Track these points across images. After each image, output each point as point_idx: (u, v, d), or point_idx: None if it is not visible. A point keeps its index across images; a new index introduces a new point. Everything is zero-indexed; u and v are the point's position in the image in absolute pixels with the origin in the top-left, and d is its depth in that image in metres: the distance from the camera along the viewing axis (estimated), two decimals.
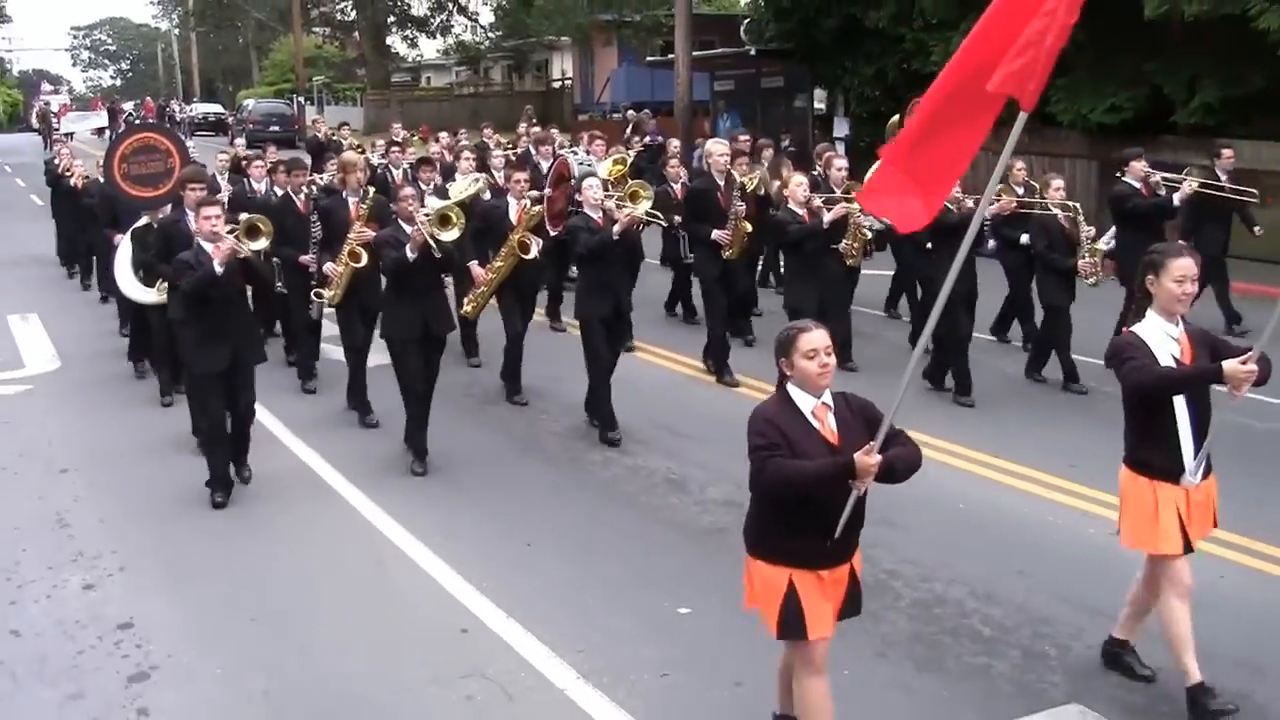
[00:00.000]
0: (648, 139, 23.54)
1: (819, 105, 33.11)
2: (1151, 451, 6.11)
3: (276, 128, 51.45)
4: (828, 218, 11.91)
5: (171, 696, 6.54)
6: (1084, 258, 12.17)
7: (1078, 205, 12.50)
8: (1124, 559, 7.91)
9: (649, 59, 40.90)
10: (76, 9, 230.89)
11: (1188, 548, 6.13)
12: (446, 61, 73.36)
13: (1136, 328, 6.13)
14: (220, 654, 7.02)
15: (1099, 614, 7.17)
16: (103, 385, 13.38)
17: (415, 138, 22.03)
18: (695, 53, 32.18)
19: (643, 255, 11.67)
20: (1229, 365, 5.78)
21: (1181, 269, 6.01)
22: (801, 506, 5.12)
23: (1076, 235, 12.28)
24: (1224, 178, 14.75)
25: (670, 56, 33.39)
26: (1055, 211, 12.31)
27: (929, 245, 11.85)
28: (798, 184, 12.04)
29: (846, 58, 28.91)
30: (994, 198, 10.88)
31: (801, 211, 11.90)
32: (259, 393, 9.97)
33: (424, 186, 13.84)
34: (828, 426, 5.19)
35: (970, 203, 11.75)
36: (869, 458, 4.93)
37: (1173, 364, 5.99)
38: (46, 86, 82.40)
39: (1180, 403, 6.03)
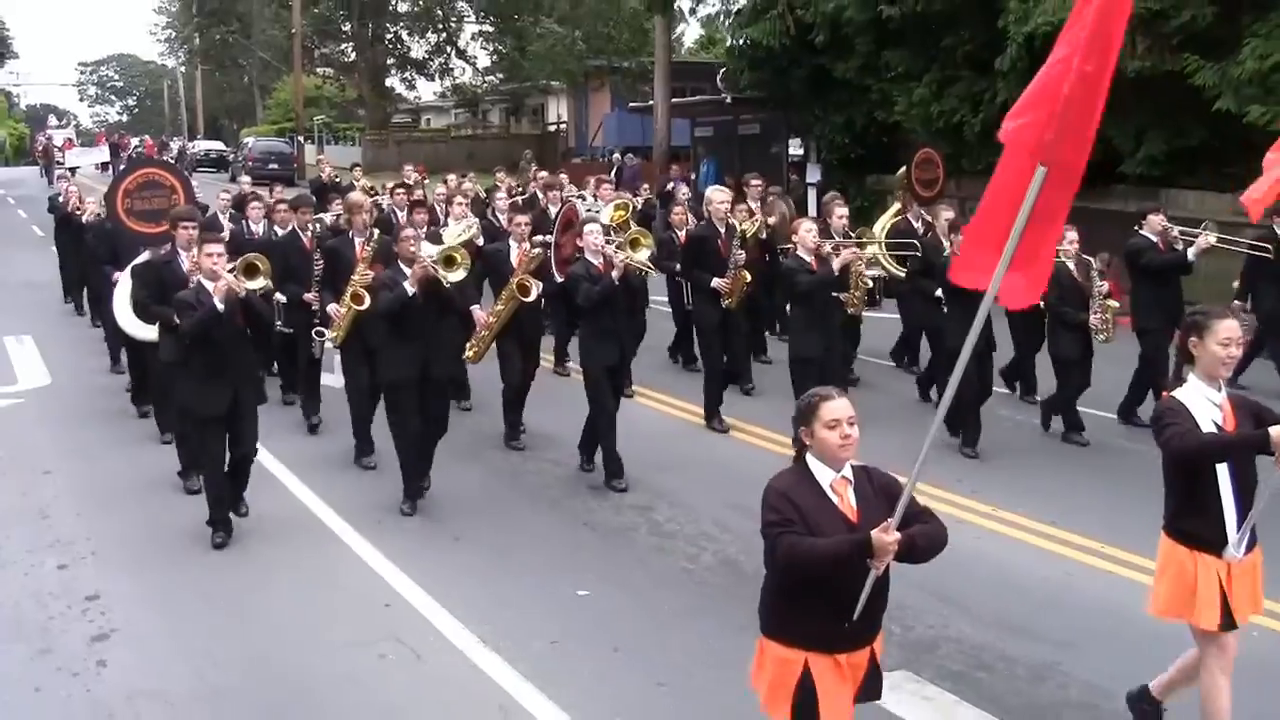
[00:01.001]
0: (670, 185, 24.19)
1: (798, 151, 34.24)
2: (1192, 521, 5.94)
3: (275, 165, 52.21)
4: (837, 263, 11.72)
5: (127, 653, 7.56)
6: (1096, 312, 12.09)
7: (1090, 259, 12.32)
8: (988, 560, 9.02)
9: (632, 105, 42.16)
10: (85, 45, 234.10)
11: (1230, 623, 5.93)
12: (445, 104, 74.78)
13: (1177, 392, 5.96)
14: (173, 621, 8.08)
15: (947, 601, 8.21)
16: (88, 399, 14.47)
17: (425, 180, 22.55)
18: (674, 100, 33.37)
19: (647, 299, 11.83)
20: (1276, 431, 5.54)
21: (1227, 331, 5.84)
22: (817, 586, 4.89)
23: (1089, 288, 12.16)
24: None
25: (651, 103, 34.60)
26: (1068, 263, 12.11)
27: (938, 295, 12.13)
28: (807, 230, 11.78)
29: (817, 106, 30.13)
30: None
31: (810, 259, 11.62)
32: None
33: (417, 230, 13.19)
34: (847, 502, 4.98)
35: None
36: (886, 535, 4.70)
37: (1215, 430, 5.81)
38: (52, 121, 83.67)
39: (1223, 471, 5.85)
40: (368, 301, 10.96)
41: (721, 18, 32.30)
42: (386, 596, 8.40)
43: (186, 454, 10.83)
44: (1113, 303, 12.23)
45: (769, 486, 4.98)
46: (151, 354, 11.88)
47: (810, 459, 5.02)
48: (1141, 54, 20.43)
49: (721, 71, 33.23)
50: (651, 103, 34.86)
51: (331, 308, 11.74)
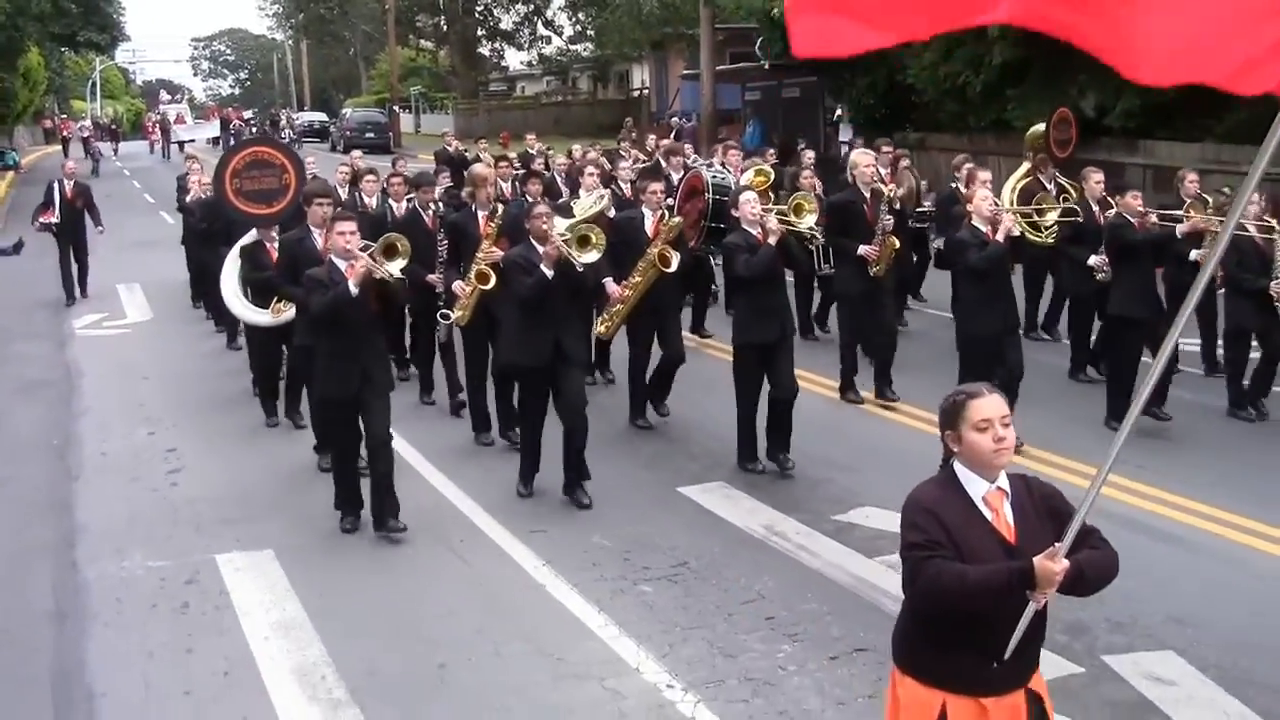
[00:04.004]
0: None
1: (840, 112, 36.75)
2: None
3: (371, 135, 55.62)
4: (1002, 232, 10.42)
5: (191, 479, 10.90)
6: (1278, 278, 11.40)
7: (1274, 222, 11.57)
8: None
9: (684, 71, 44.89)
10: (197, 21, 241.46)
11: None
12: (535, 71, 77.91)
13: None
14: (229, 463, 11.40)
15: (824, 462, 10.71)
16: (179, 328, 18.19)
17: (549, 150, 23.09)
18: (720, 66, 36.06)
19: (800, 262, 10.89)
20: None
21: None
22: (962, 619, 4.15)
23: (1271, 254, 11.49)
24: None
25: (696, 71, 37.40)
26: (1249, 226, 11.43)
27: (1091, 262, 11.74)
28: (983, 199, 10.64)
29: (846, 70, 32.71)
30: (1211, 222, 11.36)
31: (985, 229, 10.47)
32: None
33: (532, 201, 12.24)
34: (1003, 518, 4.19)
35: (1154, 218, 11.36)
36: (1054, 563, 3.98)
37: None
38: (164, 96, 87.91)
39: None
40: (494, 280, 10.77)
41: None
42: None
43: (321, 431, 10.95)
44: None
45: (910, 499, 4.25)
46: (258, 337, 12.43)
47: (959, 467, 4.24)
48: None
49: (760, 40, 35.63)
50: (696, 71, 37.45)
51: (456, 285, 11.45)
